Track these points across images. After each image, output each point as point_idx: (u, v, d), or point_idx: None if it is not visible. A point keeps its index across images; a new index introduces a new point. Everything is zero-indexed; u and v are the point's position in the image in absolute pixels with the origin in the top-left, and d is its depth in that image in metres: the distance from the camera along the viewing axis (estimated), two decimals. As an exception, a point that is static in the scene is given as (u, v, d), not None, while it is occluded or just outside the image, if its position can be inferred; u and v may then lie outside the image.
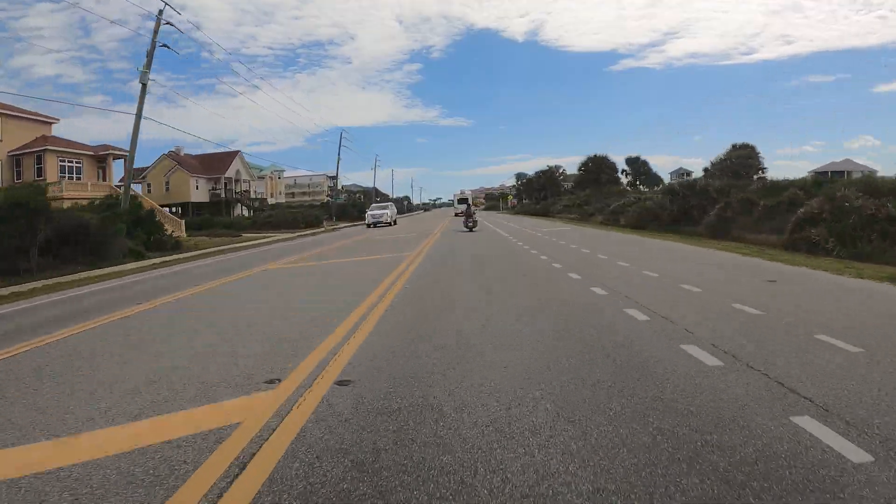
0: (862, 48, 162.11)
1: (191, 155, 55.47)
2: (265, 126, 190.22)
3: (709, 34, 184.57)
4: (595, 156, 40.42)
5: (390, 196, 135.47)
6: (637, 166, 44.78)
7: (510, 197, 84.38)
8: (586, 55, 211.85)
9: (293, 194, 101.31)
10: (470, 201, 34.93)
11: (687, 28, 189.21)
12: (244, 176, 56.16)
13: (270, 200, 74.67)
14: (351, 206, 67.25)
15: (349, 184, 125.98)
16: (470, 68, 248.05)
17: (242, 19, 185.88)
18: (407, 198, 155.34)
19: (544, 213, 52.42)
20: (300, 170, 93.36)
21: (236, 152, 55.28)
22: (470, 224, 26.06)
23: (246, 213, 54.97)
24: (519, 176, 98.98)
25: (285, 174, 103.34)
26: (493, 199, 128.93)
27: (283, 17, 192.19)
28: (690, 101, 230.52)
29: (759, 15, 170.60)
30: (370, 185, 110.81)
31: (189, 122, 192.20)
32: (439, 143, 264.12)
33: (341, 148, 60.65)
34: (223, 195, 52.49)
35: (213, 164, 54.20)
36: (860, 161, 53.00)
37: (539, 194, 61.13)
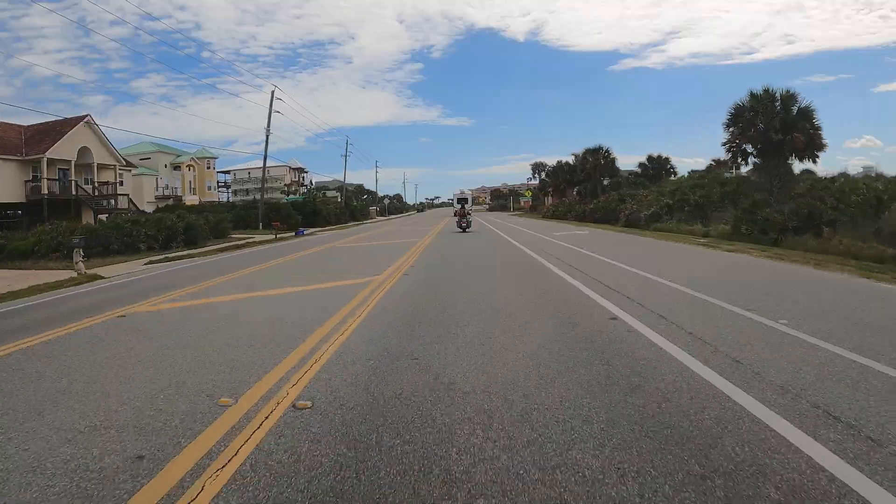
0: (863, 48, 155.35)
1: (12, 124, 33.32)
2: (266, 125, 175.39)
3: (711, 34, 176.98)
4: (766, 91, 17.90)
5: (377, 195, 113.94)
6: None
7: (528, 193, 61.94)
8: (588, 54, 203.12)
9: (247, 190, 79.39)
10: (469, 201, 30.58)
11: (689, 28, 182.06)
12: (100, 159, 33.96)
13: (190, 198, 52.51)
14: (298, 207, 44.97)
15: (328, 179, 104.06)
16: (471, 68, 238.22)
17: (243, 19, 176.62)
18: (398, 196, 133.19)
19: (605, 219, 30.07)
20: (254, 161, 70.99)
21: (80, 118, 33.01)
22: (464, 224, 24.26)
23: (104, 218, 32.52)
24: (537, 167, 76.61)
25: (240, 165, 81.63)
26: (501, 198, 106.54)
27: (284, 16, 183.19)
28: (692, 100, 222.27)
29: (761, 15, 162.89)
30: (365, 184, 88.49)
31: (189, 122, 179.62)
32: (441, 143, 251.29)
33: (272, 111, 38.30)
34: (46, 190, 30.27)
35: (45, 139, 32.05)
36: None
37: (584, 186, 39.03)
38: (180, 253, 19.32)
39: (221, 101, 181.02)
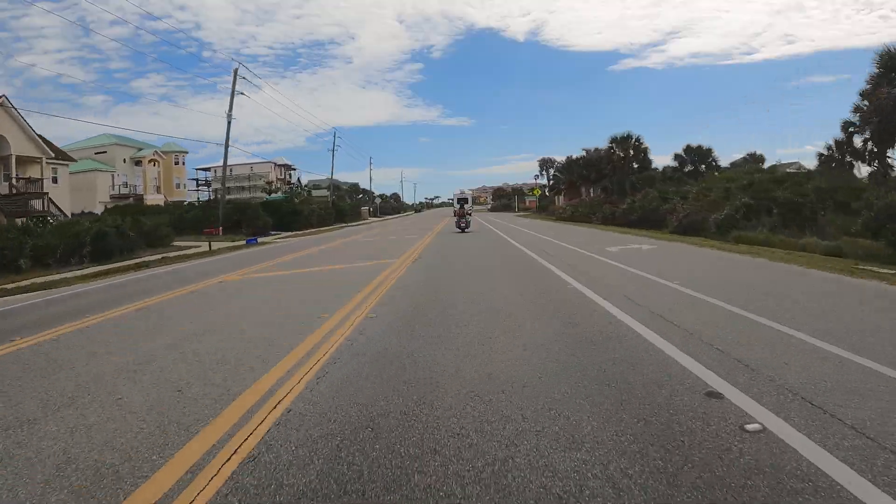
0: (863, 48, 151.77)
1: None
2: (266, 125, 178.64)
3: (711, 34, 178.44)
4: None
5: (373, 193, 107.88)
6: None
7: (536, 191, 55.42)
8: (588, 54, 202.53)
9: (229, 189, 72.81)
10: (470, 201, 28.66)
11: (689, 28, 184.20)
12: (20, 150, 27.60)
13: (154, 197, 46.18)
14: (273, 207, 38.68)
15: (322, 178, 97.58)
16: (471, 68, 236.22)
17: (243, 18, 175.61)
18: (395, 195, 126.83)
19: (643, 223, 23.80)
20: (236, 157, 64.71)
21: (-10, 98, 26.62)
22: (462, 224, 24.20)
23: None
24: (544, 163, 70.11)
25: (221, 162, 75.04)
26: (504, 197, 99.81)
27: (284, 16, 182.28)
28: (692, 100, 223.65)
29: (761, 15, 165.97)
30: (363, 184, 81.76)
31: (189, 121, 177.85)
32: (441, 143, 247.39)
33: (235, 93, 31.82)
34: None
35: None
36: None
37: (609, 182, 32.38)
38: (39, 279, 12.97)
39: (221, 101, 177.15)
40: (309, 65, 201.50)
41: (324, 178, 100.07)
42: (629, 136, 32.62)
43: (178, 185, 51.27)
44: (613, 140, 33.08)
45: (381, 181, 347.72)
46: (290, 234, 34.36)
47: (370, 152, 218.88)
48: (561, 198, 51.50)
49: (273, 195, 55.75)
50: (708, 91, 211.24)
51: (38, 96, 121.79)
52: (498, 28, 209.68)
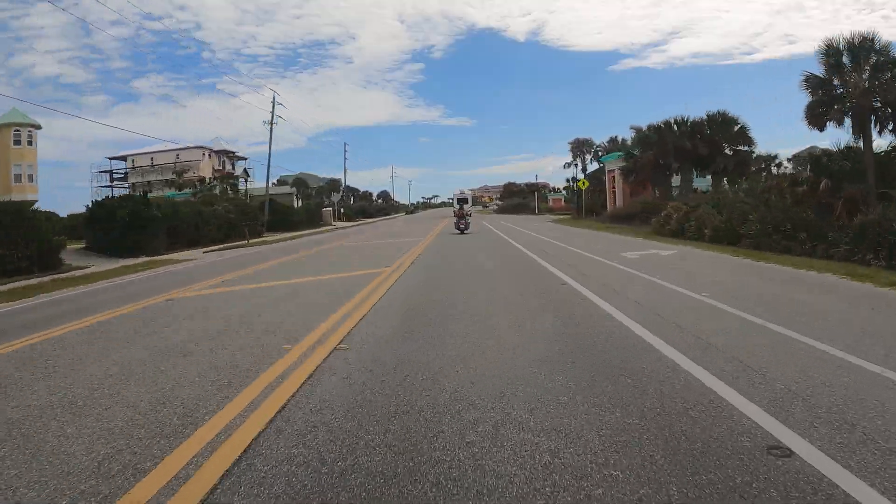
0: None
1: None
2: (264, 127, 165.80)
3: (711, 34, 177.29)
4: None
5: (357, 191, 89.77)
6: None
7: (582, 184, 36.57)
8: (588, 54, 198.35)
9: (150, 183, 54.19)
10: (469, 201, 28.94)
11: (689, 28, 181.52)
12: None
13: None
14: (104, 213, 19.95)
15: (293, 173, 78.82)
16: (472, 68, 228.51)
17: (243, 19, 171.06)
18: (384, 194, 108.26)
19: None
20: (170, 143, 45.87)
21: None
22: (462, 225, 24.11)
23: None
24: (579, 147, 51.62)
25: (138, 150, 56.35)
26: (516, 195, 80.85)
27: (284, 16, 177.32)
28: (692, 100, 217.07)
29: (761, 15, 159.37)
30: (364, 185, 64.11)
31: (188, 121, 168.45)
32: (442, 143, 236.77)
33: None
34: None
35: None
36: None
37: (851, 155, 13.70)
38: None
39: (221, 101, 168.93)
40: (309, 65, 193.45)
41: (298, 173, 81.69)
42: (868, 39, 12.48)
43: (20, 177, 32.50)
44: (829, 47, 12.93)
45: (379, 180, 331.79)
46: (89, 270, 15.82)
47: (370, 153, 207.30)
48: (618, 191, 32.98)
49: (183, 191, 37.36)
50: (709, 91, 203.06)
51: (39, 96, 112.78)
52: (498, 28, 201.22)
